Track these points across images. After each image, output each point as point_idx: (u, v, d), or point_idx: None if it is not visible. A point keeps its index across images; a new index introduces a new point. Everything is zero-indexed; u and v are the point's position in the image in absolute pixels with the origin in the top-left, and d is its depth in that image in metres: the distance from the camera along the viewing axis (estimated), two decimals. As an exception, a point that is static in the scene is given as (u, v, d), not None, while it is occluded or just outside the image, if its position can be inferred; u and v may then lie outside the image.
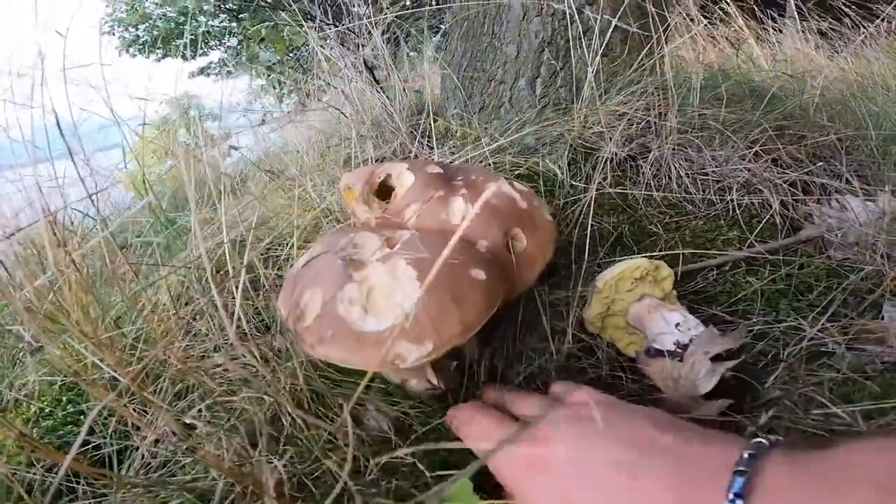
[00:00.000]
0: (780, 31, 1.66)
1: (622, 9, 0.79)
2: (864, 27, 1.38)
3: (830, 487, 0.24)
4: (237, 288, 0.38)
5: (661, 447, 0.29)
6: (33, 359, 0.50)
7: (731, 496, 0.25)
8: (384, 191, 0.53)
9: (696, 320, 0.54)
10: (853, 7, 1.42)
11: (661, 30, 0.81)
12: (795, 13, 1.57)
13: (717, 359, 0.48)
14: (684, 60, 1.01)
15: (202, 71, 6.50)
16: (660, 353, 0.52)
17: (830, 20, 1.52)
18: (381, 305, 0.38)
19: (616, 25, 0.78)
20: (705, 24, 1.05)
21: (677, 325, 0.54)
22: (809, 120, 0.88)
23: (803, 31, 1.57)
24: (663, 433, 0.30)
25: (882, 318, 0.56)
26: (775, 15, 1.60)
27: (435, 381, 0.47)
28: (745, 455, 0.27)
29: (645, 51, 0.81)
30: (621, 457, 0.30)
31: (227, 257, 0.42)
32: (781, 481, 0.26)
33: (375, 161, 0.76)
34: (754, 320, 0.58)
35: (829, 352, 0.53)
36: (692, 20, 0.89)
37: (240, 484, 0.36)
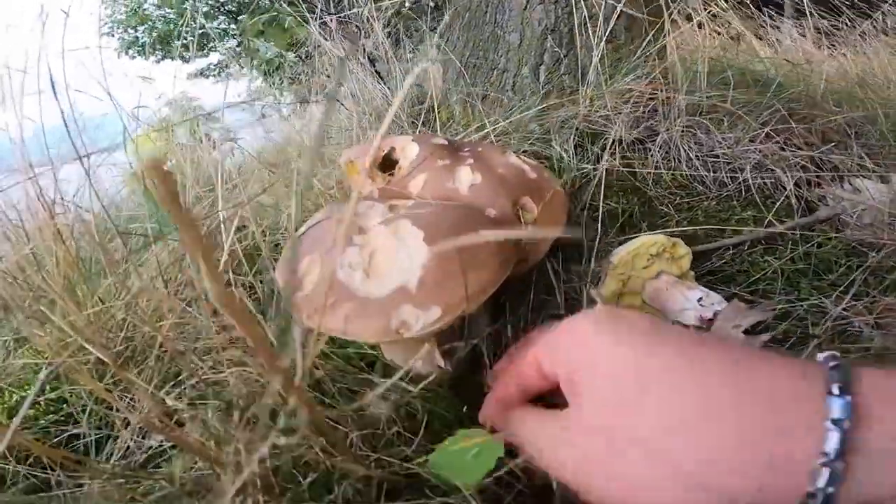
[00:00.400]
0: (778, 28, 1.68)
1: (626, -5, 0.78)
2: (862, 21, 1.39)
3: None
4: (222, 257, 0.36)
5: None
6: (14, 334, 0.47)
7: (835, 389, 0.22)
8: (388, 164, 0.51)
9: (718, 296, 0.52)
10: (854, 3, 1.43)
11: (665, 15, 0.80)
12: (793, 11, 1.58)
13: (749, 331, 0.47)
14: (688, 48, 1.00)
15: (201, 73, 6.54)
16: (685, 328, 0.51)
17: (829, 18, 1.53)
18: (384, 269, 0.35)
19: (621, 12, 0.77)
20: (710, 14, 1.05)
21: (699, 300, 0.52)
22: (817, 104, 0.87)
23: (800, 27, 1.58)
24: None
25: None
26: (773, 13, 1.62)
27: (443, 364, 0.44)
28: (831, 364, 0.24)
29: (649, 36, 0.80)
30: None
31: (223, 234, 0.40)
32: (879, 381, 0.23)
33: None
34: (776, 299, 0.56)
35: (857, 330, 0.51)
36: (694, 10, 0.89)
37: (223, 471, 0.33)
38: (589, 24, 0.78)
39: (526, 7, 0.83)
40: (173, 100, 1.17)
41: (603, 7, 0.77)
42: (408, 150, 0.50)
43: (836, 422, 0.22)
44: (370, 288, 0.35)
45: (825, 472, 0.21)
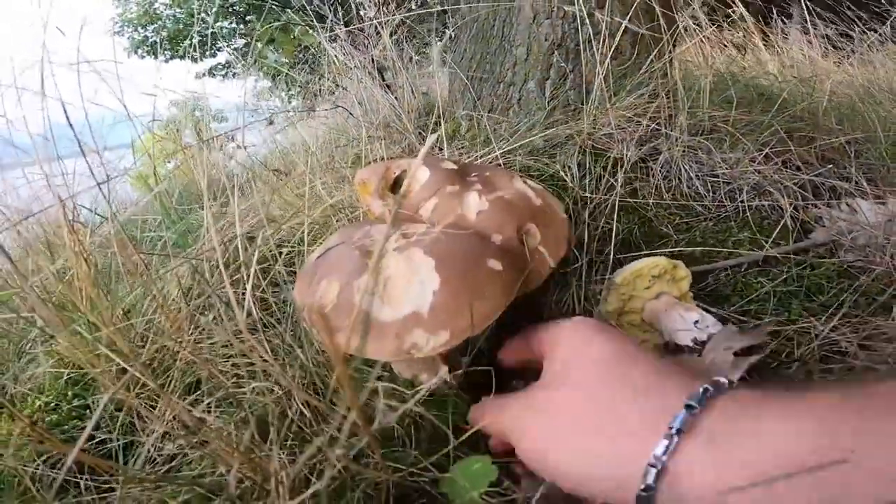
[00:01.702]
0: (786, 36, 1.67)
1: (631, 11, 0.79)
2: (871, 30, 1.39)
3: (782, 405, 0.26)
4: (248, 278, 0.38)
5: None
6: (45, 347, 0.49)
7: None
8: (399, 186, 0.53)
9: (714, 319, 0.54)
10: (862, 10, 1.43)
11: (669, 33, 0.81)
12: (802, 18, 1.58)
13: (739, 354, 0.48)
14: (693, 63, 1.01)
15: (209, 72, 6.57)
16: (679, 349, 0.53)
17: (837, 26, 1.53)
18: (397, 294, 0.38)
19: (626, 28, 0.78)
20: (714, 28, 1.05)
21: (695, 322, 0.54)
22: (818, 123, 0.88)
23: (807, 34, 1.58)
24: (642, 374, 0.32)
25: (893, 319, 0.56)
26: (781, 20, 1.61)
27: (448, 378, 0.47)
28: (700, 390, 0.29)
29: (654, 53, 0.81)
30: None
31: (240, 249, 0.42)
32: (732, 402, 0.28)
33: (385, 160, 0.76)
34: (767, 320, 0.58)
35: (843, 351, 0.54)
36: (700, 25, 0.90)
37: (252, 477, 0.35)
38: (594, 40, 0.79)
39: (533, 21, 0.84)
40: (180, 100, 1.19)
41: (609, 23, 0.78)
42: (419, 173, 0.52)
43: (672, 430, 0.27)
44: (385, 312, 0.38)
45: (652, 471, 0.27)
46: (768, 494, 0.24)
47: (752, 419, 0.27)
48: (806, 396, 0.26)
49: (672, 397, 0.29)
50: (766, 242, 0.66)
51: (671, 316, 0.56)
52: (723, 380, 0.29)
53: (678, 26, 0.82)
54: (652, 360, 0.33)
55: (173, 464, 0.45)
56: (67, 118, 0.60)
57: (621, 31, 0.78)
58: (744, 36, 1.18)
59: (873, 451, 0.23)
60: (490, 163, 0.71)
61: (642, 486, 0.27)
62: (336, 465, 0.31)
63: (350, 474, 0.35)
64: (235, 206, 0.47)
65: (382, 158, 0.73)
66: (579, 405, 0.32)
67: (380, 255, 0.39)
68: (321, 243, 0.48)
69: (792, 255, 0.63)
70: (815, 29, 1.50)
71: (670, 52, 0.82)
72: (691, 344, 0.53)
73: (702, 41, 0.98)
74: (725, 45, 1.20)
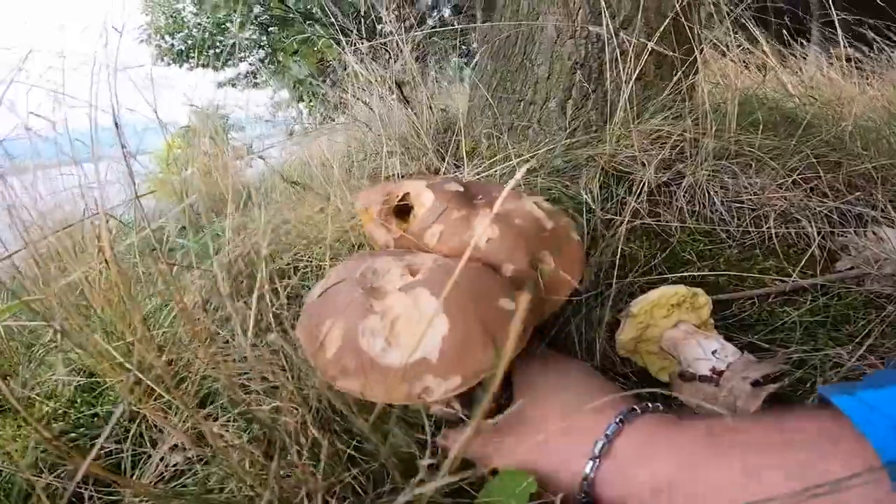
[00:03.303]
0: (805, 57, 1.65)
1: (658, 33, 0.78)
2: (891, 50, 1.37)
3: (672, 429, 0.34)
4: (255, 299, 0.37)
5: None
6: (58, 353, 0.49)
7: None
8: (402, 209, 0.51)
9: (734, 348, 0.53)
10: (880, 31, 1.40)
11: (695, 54, 0.80)
12: (820, 38, 1.56)
13: (756, 383, 0.47)
14: (717, 86, 1.00)
15: (231, 82, 6.71)
16: (694, 378, 0.51)
17: (856, 46, 1.50)
18: (404, 338, 0.37)
19: (651, 49, 0.77)
20: (740, 50, 1.04)
21: (714, 352, 0.53)
22: (845, 147, 0.86)
23: (824, 53, 1.56)
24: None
25: None
26: (801, 41, 1.59)
27: (458, 407, 0.46)
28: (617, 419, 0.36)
29: (678, 75, 0.80)
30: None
31: (263, 270, 0.42)
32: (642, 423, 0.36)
33: (403, 177, 0.76)
34: (793, 348, 0.57)
35: None
36: (727, 46, 0.89)
37: (280, 492, 0.35)
38: (619, 61, 0.78)
39: (556, 40, 0.83)
40: (200, 108, 1.20)
41: (633, 45, 0.77)
42: (422, 197, 0.49)
43: (606, 435, 0.35)
44: (392, 357, 0.36)
45: (590, 464, 0.35)
46: None
47: (645, 446, 0.35)
48: (683, 428, 0.34)
49: (595, 427, 0.37)
50: (793, 271, 0.64)
51: (690, 345, 0.54)
52: (636, 409, 0.37)
53: (704, 48, 0.81)
54: (583, 394, 0.40)
55: (182, 479, 0.44)
56: (116, 124, 0.59)
57: (647, 52, 0.78)
58: (764, 57, 1.16)
59: (688, 480, 0.31)
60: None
61: (581, 495, 0.35)
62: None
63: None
64: (261, 221, 0.47)
65: (397, 175, 0.73)
66: (530, 435, 0.39)
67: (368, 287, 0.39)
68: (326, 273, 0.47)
69: (819, 284, 0.61)
70: (834, 49, 1.48)
71: (695, 73, 0.81)
72: (709, 373, 0.52)
73: (726, 64, 0.96)
74: (748, 67, 1.18)
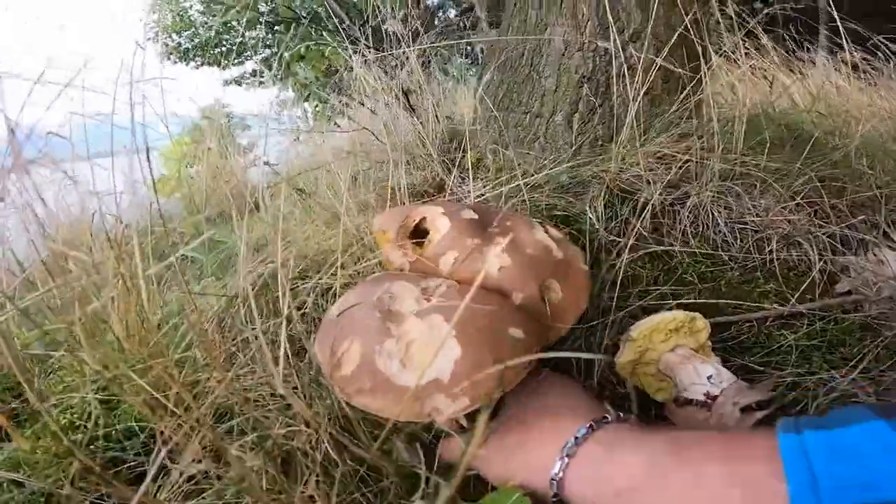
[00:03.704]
0: (813, 62, 1.64)
1: (667, 48, 0.78)
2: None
3: (637, 436, 0.37)
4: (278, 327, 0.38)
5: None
6: (81, 370, 0.50)
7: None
8: (418, 234, 0.53)
9: (729, 374, 0.54)
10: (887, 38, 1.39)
11: (704, 69, 0.80)
12: (827, 42, 1.54)
13: (747, 409, 0.49)
14: (727, 102, 0.99)
15: (236, 80, 6.67)
16: (689, 403, 0.53)
17: (862, 51, 1.49)
18: (419, 360, 0.39)
19: (659, 65, 0.77)
20: (749, 66, 1.03)
21: (709, 377, 0.54)
22: (851, 166, 0.86)
23: (831, 59, 1.54)
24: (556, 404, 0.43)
25: None
26: (805, 48, 1.58)
27: (463, 423, 0.48)
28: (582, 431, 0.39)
29: (687, 90, 0.80)
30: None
31: (282, 299, 0.43)
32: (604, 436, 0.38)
33: (408, 189, 0.76)
34: (787, 371, 0.58)
35: (860, 402, 0.54)
36: (736, 62, 0.88)
37: None
38: (627, 75, 0.78)
39: (564, 53, 0.83)
40: (206, 106, 1.20)
41: (642, 59, 0.77)
42: (438, 223, 0.51)
43: (576, 437, 0.38)
44: (406, 377, 0.39)
45: (559, 463, 0.37)
46: None
47: (612, 450, 0.37)
48: (649, 436, 0.36)
49: (567, 431, 0.39)
50: (792, 295, 0.65)
51: (686, 369, 0.56)
52: (608, 417, 0.40)
53: (713, 63, 0.81)
54: (560, 407, 0.43)
55: (202, 496, 0.46)
56: (135, 122, 0.59)
57: (655, 67, 0.77)
58: (774, 68, 1.15)
59: (648, 487, 0.33)
60: (515, 198, 0.71)
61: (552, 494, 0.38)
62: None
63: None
64: (279, 246, 0.48)
65: (404, 188, 0.73)
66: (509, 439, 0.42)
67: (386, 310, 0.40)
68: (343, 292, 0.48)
69: (817, 312, 0.62)
70: (842, 54, 1.46)
71: (703, 89, 0.81)
72: (703, 398, 0.53)
73: (737, 74, 0.96)
74: (757, 81, 1.17)
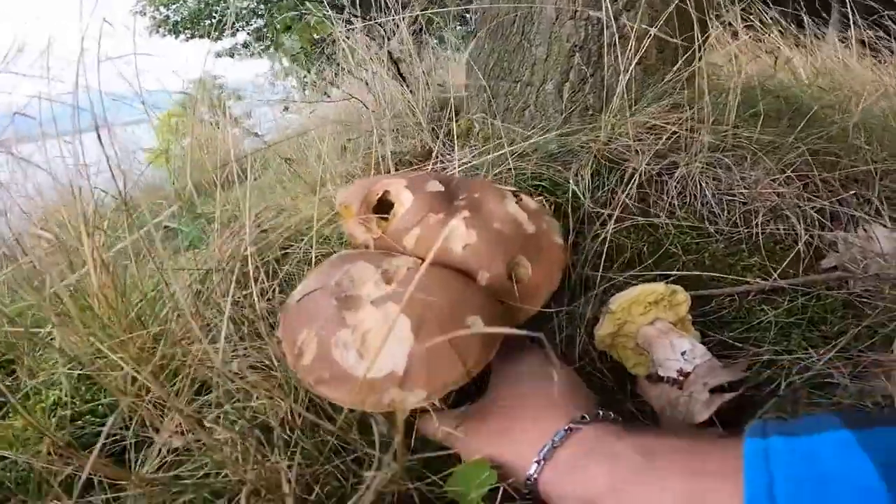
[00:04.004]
0: (822, 38, 1.59)
1: (662, 17, 0.75)
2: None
3: (610, 442, 0.37)
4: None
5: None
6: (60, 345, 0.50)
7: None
8: (383, 208, 0.51)
9: (704, 349, 0.54)
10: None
11: (700, 40, 0.78)
12: (839, 21, 1.50)
13: (716, 390, 0.48)
14: (721, 71, 0.97)
15: (228, 52, 6.55)
16: (661, 380, 0.53)
17: (875, 29, 1.45)
18: (374, 351, 0.39)
19: (653, 34, 0.75)
20: (749, 37, 1.00)
21: (683, 353, 0.53)
22: (847, 141, 0.84)
23: (844, 40, 1.50)
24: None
25: (893, 352, 0.55)
26: (816, 22, 1.53)
27: (438, 404, 0.48)
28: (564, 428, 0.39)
29: (682, 61, 0.78)
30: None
31: (250, 263, 0.42)
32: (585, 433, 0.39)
33: (394, 158, 0.75)
34: (765, 348, 0.57)
35: (835, 383, 0.53)
36: (735, 34, 0.85)
37: (260, 486, 0.37)
38: (619, 45, 0.76)
39: (556, 21, 0.81)
40: (197, 78, 1.18)
41: (635, 28, 0.75)
42: (401, 196, 0.49)
43: (553, 441, 0.38)
44: (363, 367, 0.38)
45: (535, 466, 0.38)
46: None
47: (584, 458, 0.37)
48: (621, 444, 0.36)
49: (546, 432, 0.40)
50: (776, 270, 0.64)
51: (662, 344, 0.55)
52: (586, 417, 0.40)
53: (710, 34, 0.78)
54: (541, 404, 0.43)
55: (180, 462, 0.46)
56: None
57: (649, 36, 0.75)
58: (778, 40, 1.12)
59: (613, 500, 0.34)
60: (501, 167, 0.70)
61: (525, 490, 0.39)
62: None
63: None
64: (248, 218, 0.47)
65: (389, 157, 0.72)
66: (492, 423, 0.43)
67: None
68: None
69: (800, 288, 0.62)
70: (854, 29, 1.42)
71: (699, 59, 0.79)
72: (675, 375, 0.53)
73: (735, 51, 0.93)
74: (759, 56, 1.14)
